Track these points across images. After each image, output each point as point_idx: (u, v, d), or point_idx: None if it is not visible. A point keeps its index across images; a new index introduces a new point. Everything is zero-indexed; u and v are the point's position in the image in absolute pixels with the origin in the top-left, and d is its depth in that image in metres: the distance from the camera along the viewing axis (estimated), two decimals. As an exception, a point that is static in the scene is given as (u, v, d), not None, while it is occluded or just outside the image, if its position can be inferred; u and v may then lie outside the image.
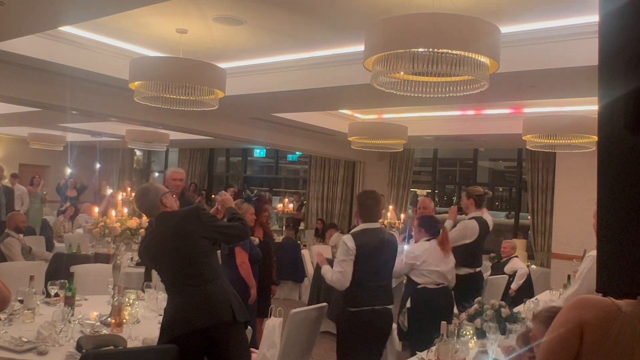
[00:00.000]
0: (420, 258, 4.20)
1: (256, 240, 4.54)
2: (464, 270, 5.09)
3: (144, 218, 3.73)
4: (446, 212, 13.36)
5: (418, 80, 3.32)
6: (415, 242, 4.43)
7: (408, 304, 4.16)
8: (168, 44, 5.21)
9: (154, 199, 3.02)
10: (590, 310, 1.52)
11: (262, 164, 15.85)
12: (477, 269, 5.33)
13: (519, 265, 7.06)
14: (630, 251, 0.99)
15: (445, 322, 3.04)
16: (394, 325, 3.81)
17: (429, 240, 4.31)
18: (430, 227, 4.39)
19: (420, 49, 2.97)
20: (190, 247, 2.89)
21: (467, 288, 4.93)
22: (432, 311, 4.01)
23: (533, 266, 8.42)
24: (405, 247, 4.41)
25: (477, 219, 5.32)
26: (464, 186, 14.66)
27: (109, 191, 10.41)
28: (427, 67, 2.97)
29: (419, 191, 12.58)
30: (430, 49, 2.96)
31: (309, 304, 5.62)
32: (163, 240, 2.95)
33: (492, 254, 8.70)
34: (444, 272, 4.24)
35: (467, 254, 5.11)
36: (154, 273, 4.10)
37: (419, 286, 4.19)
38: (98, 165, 13.11)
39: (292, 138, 9.61)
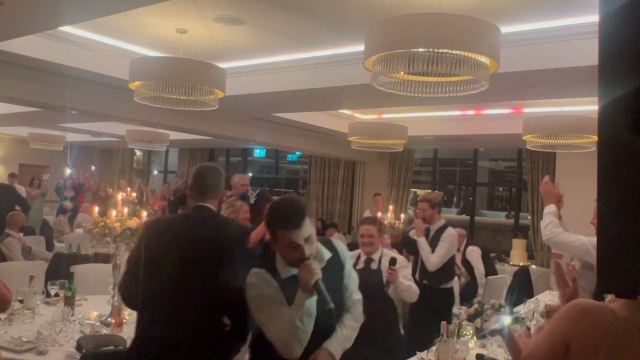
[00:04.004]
0: None
1: None
2: (451, 284, 4.84)
3: (144, 218, 3.73)
4: (449, 213, 13.28)
5: (418, 80, 3.32)
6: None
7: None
8: (168, 44, 5.21)
9: (222, 182, 2.57)
10: (581, 322, 1.49)
11: (262, 164, 15.86)
12: None
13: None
14: (630, 251, 0.99)
15: (445, 322, 3.04)
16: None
17: None
18: None
19: (420, 49, 2.97)
20: (216, 269, 2.23)
21: (449, 302, 4.69)
22: None
23: (533, 266, 8.41)
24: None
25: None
26: (464, 186, 14.68)
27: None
28: (427, 67, 2.97)
29: (419, 191, 12.57)
30: (430, 49, 2.96)
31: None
32: (192, 238, 2.32)
33: (492, 254, 8.70)
34: None
35: (452, 265, 4.91)
36: None
37: None
38: (93, 168, 13.08)
39: (292, 138, 9.61)
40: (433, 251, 4.61)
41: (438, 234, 4.71)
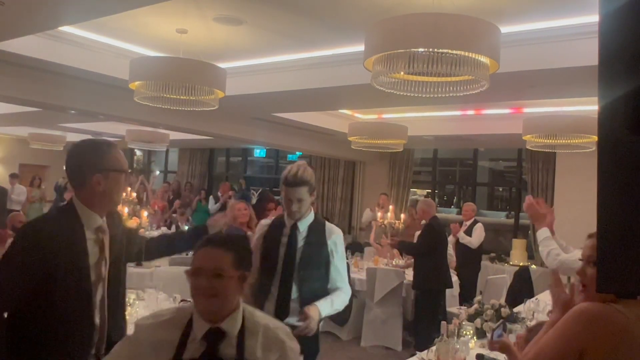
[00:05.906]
0: None
1: None
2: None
3: (144, 218, 3.73)
4: (449, 212, 13.25)
5: (418, 80, 3.32)
6: None
7: None
8: (168, 44, 5.21)
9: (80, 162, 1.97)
10: (595, 327, 1.48)
11: (262, 164, 15.86)
12: None
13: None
14: (630, 251, 0.98)
15: (445, 322, 3.04)
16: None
17: None
18: None
19: (420, 49, 2.97)
20: None
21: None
22: None
23: (533, 266, 8.40)
24: None
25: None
26: (464, 186, 14.72)
27: None
28: (427, 67, 2.98)
29: (419, 191, 12.58)
30: (430, 49, 2.96)
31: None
32: None
33: (492, 254, 8.70)
34: None
35: None
36: (158, 271, 3.99)
37: None
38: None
39: (292, 138, 9.61)
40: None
41: (315, 234, 2.84)
